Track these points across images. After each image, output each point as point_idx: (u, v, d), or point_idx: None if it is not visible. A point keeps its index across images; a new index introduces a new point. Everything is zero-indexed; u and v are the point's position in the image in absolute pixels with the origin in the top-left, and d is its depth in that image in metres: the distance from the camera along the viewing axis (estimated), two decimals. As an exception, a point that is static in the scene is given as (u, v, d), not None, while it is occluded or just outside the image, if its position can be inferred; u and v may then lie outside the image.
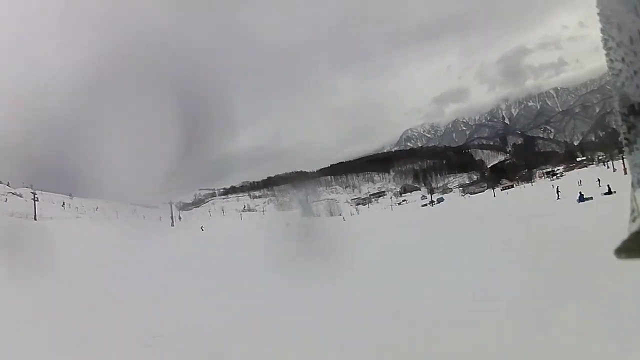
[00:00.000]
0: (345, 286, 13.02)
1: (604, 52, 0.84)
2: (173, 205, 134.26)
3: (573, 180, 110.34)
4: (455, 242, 21.62)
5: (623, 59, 0.80)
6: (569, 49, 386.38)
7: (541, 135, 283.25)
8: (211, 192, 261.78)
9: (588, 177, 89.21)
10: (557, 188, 53.02)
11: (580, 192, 37.12)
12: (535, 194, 79.07)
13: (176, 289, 16.08)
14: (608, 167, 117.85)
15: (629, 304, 7.23)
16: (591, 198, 38.46)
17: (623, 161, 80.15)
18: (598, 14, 0.83)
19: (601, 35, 0.86)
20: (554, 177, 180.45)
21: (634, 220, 0.83)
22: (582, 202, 37.42)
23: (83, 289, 16.72)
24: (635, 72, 0.78)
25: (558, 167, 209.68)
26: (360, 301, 11.43)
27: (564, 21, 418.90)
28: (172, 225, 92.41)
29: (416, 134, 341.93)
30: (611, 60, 0.82)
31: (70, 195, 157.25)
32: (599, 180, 59.94)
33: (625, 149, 0.85)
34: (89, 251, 31.99)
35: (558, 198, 49.54)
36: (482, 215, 40.14)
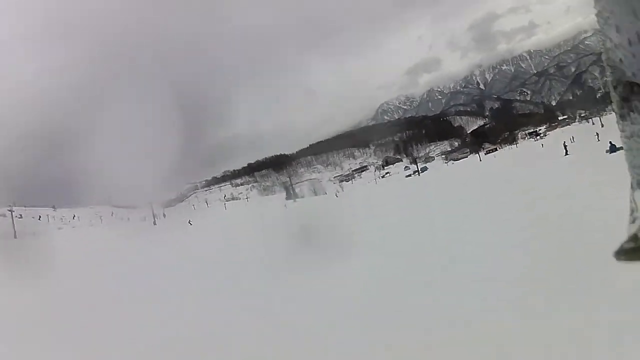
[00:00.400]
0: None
1: (603, 53, 0.91)
2: (155, 203, 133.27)
3: (558, 138, 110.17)
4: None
5: (621, 61, 0.86)
6: (539, 11, 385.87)
7: (518, 98, 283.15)
8: (193, 185, 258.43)
9: (575, 134, 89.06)
10: (565, 143, 51.48)
11: (610, 142, 34.90)
12: (530, 153, 78.60)
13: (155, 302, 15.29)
14: (593, 124, 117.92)
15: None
16: (621, 148, 36.34)
17: (600, 118, 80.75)
18: (596, 15, 0.87)
19: (600, 36, 0.92)
20: (538, 137, 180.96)
21: (633, 221, 0.88)
22: (614, 153, 34.74)
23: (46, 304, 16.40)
24: (633, 74, 0.85)
25: (540, 127, 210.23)
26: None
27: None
28: (155, 224, 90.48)
29: (392, 107, 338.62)
30: (609, 62, 0.88)
31: (54, 207, 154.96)
32: (597, 134, 59.36)
33: (619, 121, 0.92)
34: (59, 264, 30.68)
35: (567, 154, 48.09)
36: (487, 182, 38.66)
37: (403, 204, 39.25)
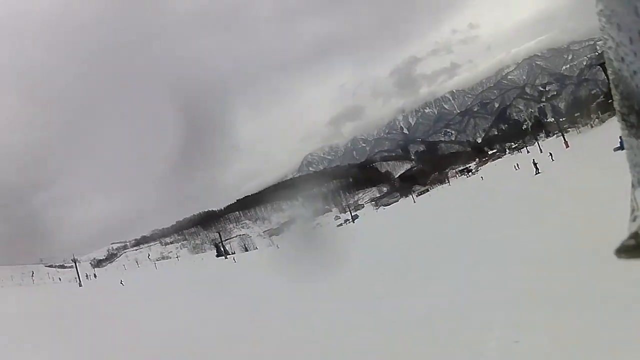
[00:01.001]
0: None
1: (604, 51, 0.90)
2: (87, 263, 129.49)
3: (494, 171, 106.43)
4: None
5: (623, 59, 0.83)
6: (460, 51, 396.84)
7: (443, 139, 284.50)
8: (123, 244, 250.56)
9: (516, 162, 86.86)
10: (534, 161, 45.16)
11: (620, 137, 27.67)
12: (475, 187, 72.18)
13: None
14: (528, 152, 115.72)
15: None
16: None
17: (564, 137, 76.94)
18: (598, 13, 0.85)
19: (601, 35, 0.90)
20: (469, 174, 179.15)
21: (634, 220, 0.89)
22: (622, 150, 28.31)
23: None
24: (634, 72, 0.82)
25: (470, 164, 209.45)
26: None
27: (454, 25, 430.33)
28: (80, 285, 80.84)
29: (317, 158, 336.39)
30: (610, 60, 0.86)
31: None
32: (551, 154, 54.72)
33: (620, 120, 0.91)
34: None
35: (537, 172, 41.80)
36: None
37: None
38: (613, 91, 0.94)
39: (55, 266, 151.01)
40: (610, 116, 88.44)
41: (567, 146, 61.91)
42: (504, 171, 72.58)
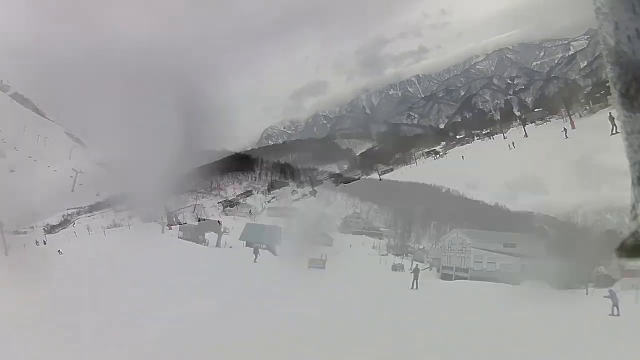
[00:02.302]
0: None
1: (602, 49, 0.90)
2: (41, 229, 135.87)
3: (473, 151, 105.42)
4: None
5: (621, 57, 0.85)
6: (430, 36, 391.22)
7: (405, 122, 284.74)
8: (77, 210, 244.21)
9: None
10: None
11: None
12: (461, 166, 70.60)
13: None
14: (505, 137, 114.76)
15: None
16: None
17: (570, 118, 76.15)
18: (595, 11, 0.86)
19: (599, 32, 0.89)
20: (437, 156, 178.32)
21: (634, 218, 0.89)
22: None
23: None
24: (633, 70, 0.85)
25: (435, 147, 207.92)
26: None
27: (426, 9, 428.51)
28: (6, 254, 73.94)
29: (277, 132, 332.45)
30: (609, 58, 0.87)
31: None
32: (565, 129, 52.98)
33: (620, 118, 0.90)
34: None
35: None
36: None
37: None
38: (612, 89, 0.92)
39: (9, 233, 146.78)
40: (601, 107, 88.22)
41: (574, 127, 60.53)
42: (497, 150, 71.44)
